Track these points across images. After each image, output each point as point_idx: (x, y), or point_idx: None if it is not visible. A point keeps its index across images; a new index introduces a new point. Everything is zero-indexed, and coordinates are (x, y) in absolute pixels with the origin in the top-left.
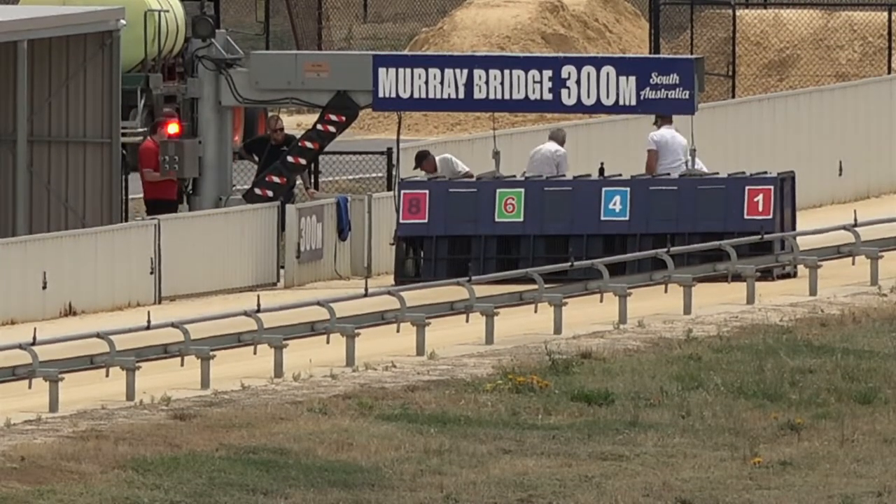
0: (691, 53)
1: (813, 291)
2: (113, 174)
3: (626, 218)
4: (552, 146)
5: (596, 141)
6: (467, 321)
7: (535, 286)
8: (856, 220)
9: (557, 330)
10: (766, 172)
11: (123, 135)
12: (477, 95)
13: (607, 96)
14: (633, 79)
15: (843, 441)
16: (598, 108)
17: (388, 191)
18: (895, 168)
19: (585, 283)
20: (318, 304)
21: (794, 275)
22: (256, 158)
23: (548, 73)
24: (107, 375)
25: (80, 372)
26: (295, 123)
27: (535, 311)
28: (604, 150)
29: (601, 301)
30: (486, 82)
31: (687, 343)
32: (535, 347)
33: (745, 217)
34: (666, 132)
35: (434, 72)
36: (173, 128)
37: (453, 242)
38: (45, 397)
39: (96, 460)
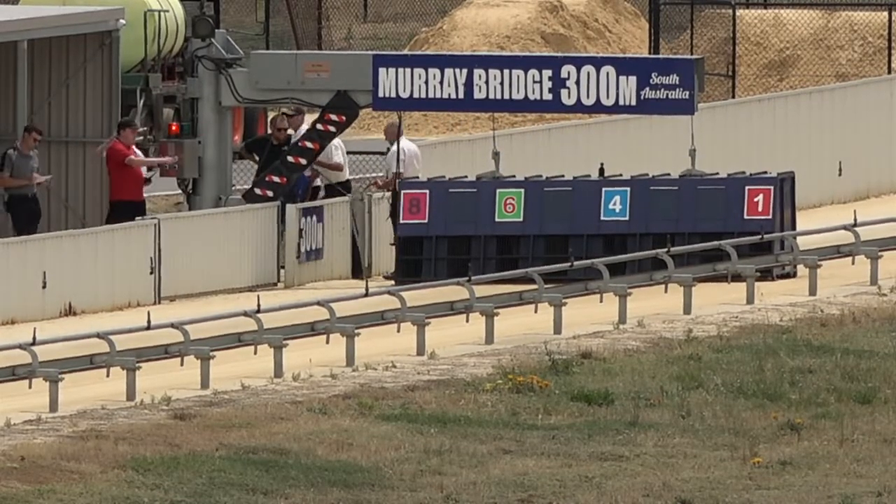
0: (691, 53)
1: (813, 291)
2: None
3: (626, 218)
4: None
5: (596, 141)
6: (467, 321)
7: (535, 286)
8: (855, 220)
9: (557, 330)
10: (765, 172)
11: None
12: (477, 95)
13: (607, 96)
14: (632, 79)
15: (842, 441)
16: (597, 108)
17: (389, 191)
18: (895, 168)
19: (585, 283)
20: (319, 304)
21: (794, 275)
22: (257, 158)
23: (547, 73)
24: (107, 375)
25: (80, 372)
26: None
27: (535, 311)
28: (603, 150)
29: (601, 301)
30: (486, 82)
31: (687, 343)
32: (535, 347)
33: (745, 217)
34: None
35: (434, 72)
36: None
37: (453, 242)
38: (45, 397)
39: (96, 460)
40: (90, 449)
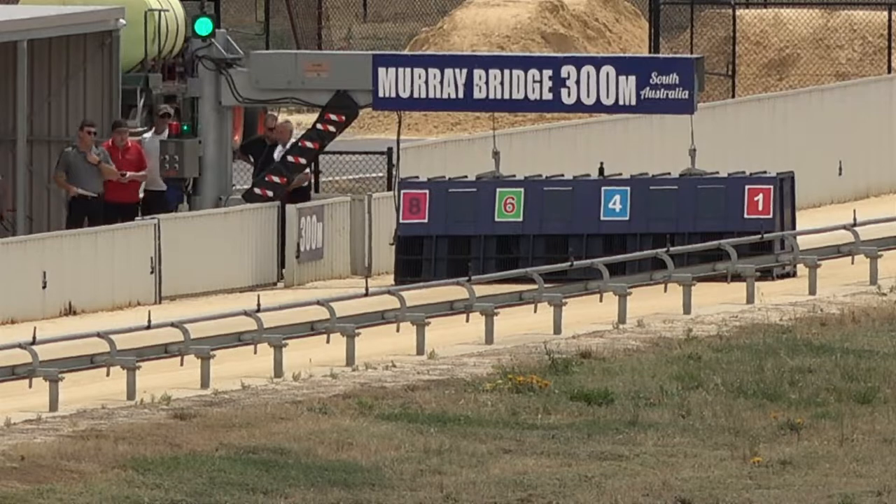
0: (691, 53)
1: (812, 291)
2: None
3: (626, 217)
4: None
5: (596, 141)
6: (467, 321)
7: (535, 286)
8: (855, 219)
9: (557, 330)
10: (765, 172)
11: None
12: (477, 95)
13: (607, 96)
14: (632, 78)
15: (842, 440)
16: (597, 107)
17: (388, 191)
18: (895, 168)
19: (585, 282)
20: (319, 303)
21: (794, 274)
22: (252, 160)
23: (547, 73)
24: (107, 375)
25: (81, 371)
26: (295, 123)
27: (535, 311)
28: (604, 150)
29: (601, 301)
30: (486, 82)
31: (687, 343)
32: (534, 347)
33: (745, 217)
34: None
35: (434, 71)
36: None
37: (453, 242)
38: (45, 397)
39: (96, 460)
40: (90, 448)
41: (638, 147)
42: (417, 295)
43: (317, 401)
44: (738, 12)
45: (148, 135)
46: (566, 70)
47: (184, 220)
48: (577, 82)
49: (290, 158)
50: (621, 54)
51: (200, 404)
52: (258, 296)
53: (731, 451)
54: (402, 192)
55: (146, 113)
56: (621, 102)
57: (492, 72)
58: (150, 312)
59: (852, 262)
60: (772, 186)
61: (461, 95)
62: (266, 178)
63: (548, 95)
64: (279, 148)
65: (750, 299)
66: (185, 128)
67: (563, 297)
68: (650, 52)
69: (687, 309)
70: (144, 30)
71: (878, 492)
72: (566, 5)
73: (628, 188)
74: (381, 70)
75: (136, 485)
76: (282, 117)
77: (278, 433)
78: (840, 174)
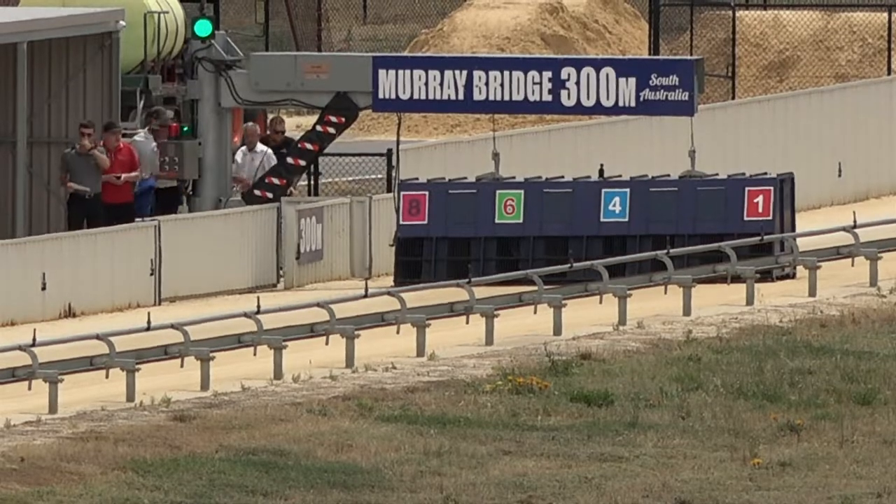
0: (691, 55)
1: (812, 292)
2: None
3: (626, 219)
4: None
5: (595, 142)
6: (467, 322)
7: (535, 287)
8: (855, 221)
9: (557, 331)
10: (765, 174)
11: (123, 135)
12: (477, 97)
13: (607, 97)
14: (632, 80)
15: (842, 442)
16: (597, 109)
17: (388, 192)
18: (895, 169)
19: (585, 284)
20: (318, 305)
21: (794, 276)
22: None
23: (547, 75)
24: (107, 377)
25: (80, 373)
26: (295, 125)
27: (535, 313)
28: (603, 152)
29: (601, 302)
30: (486, 84)
31: (686, 344)
32: (534, 348)
33: (745, 218)
34: None
35: (434, 73)
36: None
37: (453, 244)
38: (44, 398)
39: (96, 461)
40: (90, 450)
41: (638, 149)
42: (417, 296)
43: (316, 402)
44: (737, 14)
45: (140, 136)
46: (566, 72)
47: (184, 221)
48: (577, 84)
49: (289, 160)
50: (621, 56)
51: (200, 406)
52: (258, 297)
53: (730, 453)
54: (402, 193)
55: (146, 114)
56: (621, 104)
57: (492, 73)
58: (149, 314)
59: (852, 264)
60: (772, 188)
61: (461, 97)
62: (266, 180)
63: (547, 97)
64: (243, 149)
65: (750, 301)
66: (185, 129)
67: (562, 299)
68: (650, 53)
69: (687, 310)
70: (144, 31)
71: (878, 493)
72: (566, 7)
73: (628, 190)
74: (381, 72)
75: (136, 486)
76: (282, 118)
77: (278, 435)
78: (840, 176)
